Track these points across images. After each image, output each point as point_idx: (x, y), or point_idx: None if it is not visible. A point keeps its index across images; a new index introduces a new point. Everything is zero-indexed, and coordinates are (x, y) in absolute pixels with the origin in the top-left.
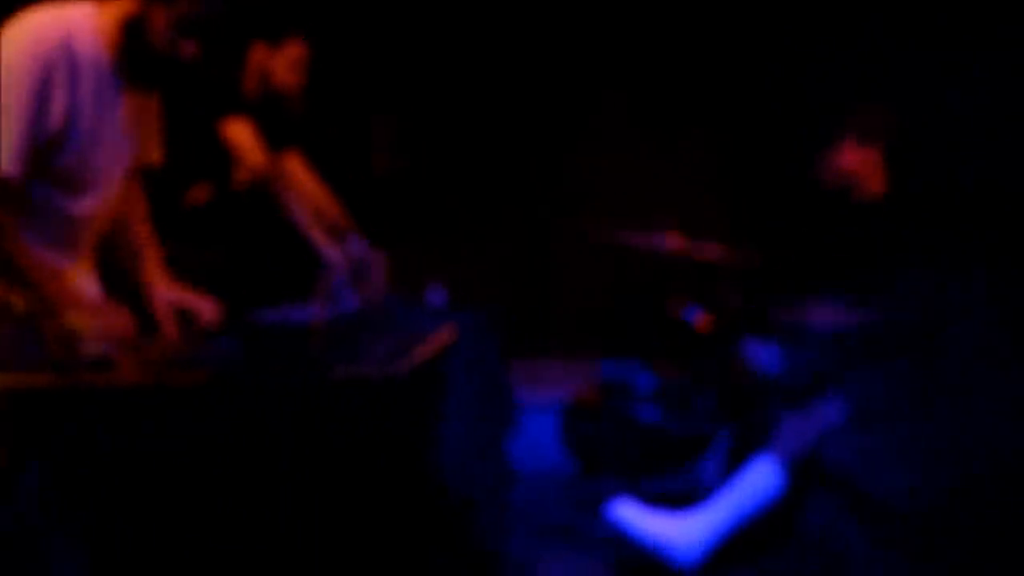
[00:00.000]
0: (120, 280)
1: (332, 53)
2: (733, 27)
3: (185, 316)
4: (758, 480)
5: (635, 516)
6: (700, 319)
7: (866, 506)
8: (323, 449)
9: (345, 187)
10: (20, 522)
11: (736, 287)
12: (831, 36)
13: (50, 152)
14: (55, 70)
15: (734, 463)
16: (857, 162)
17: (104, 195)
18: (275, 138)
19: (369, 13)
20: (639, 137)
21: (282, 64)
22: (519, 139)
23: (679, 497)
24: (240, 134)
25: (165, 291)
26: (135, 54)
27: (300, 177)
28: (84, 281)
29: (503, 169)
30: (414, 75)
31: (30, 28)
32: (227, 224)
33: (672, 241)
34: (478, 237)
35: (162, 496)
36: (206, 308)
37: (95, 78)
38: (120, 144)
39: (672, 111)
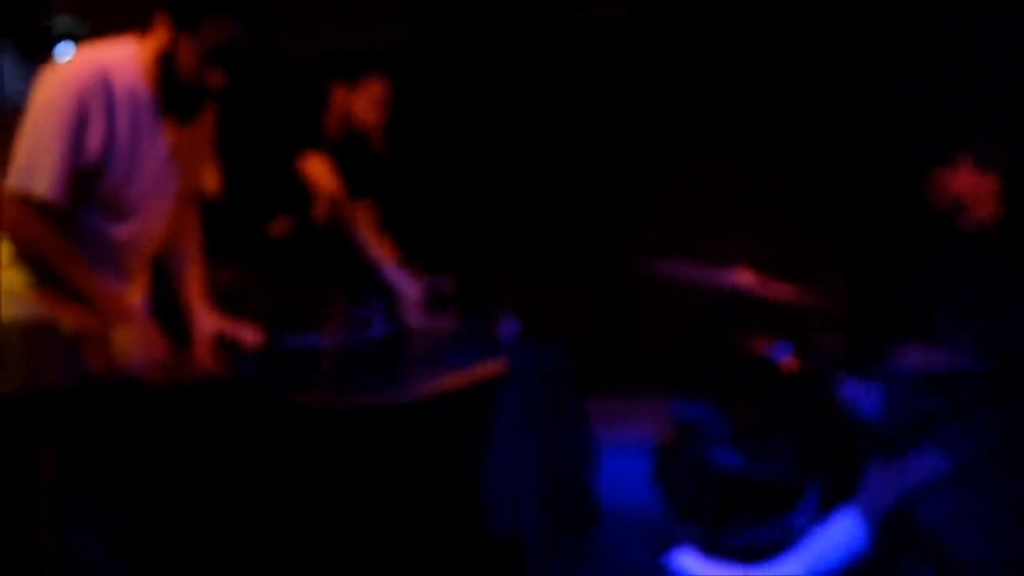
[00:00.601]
0: (169, 300)
1: (433, 102)
2: (820, 61)
3: (227, 340)
4: (840, 536)
5: (697, 568)
6: (788, 358)
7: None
8: (317, 472)
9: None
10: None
11: (824, 326)
12: (932, 67)
13: (90, 180)
14: (91, 103)
15: (819, 516)
16: (972, 185)
17: (145, 221)
18: (357, 175)
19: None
20: (724, 171)
21: (362, 102)
22: (599, 176)
23: (760, 550)
24: (317, 170)
25: (205, 317)
26: (169, 86)
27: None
28: (130, 301)
29: (582, 205)
30: (510, 120)
31: (69, 66)
32: (306, 256)
33: (743, 277)
34: (558, 271)
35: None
36: (247, 335)
37: (133, 110)
38: (161, 173)
39: (756, 148)
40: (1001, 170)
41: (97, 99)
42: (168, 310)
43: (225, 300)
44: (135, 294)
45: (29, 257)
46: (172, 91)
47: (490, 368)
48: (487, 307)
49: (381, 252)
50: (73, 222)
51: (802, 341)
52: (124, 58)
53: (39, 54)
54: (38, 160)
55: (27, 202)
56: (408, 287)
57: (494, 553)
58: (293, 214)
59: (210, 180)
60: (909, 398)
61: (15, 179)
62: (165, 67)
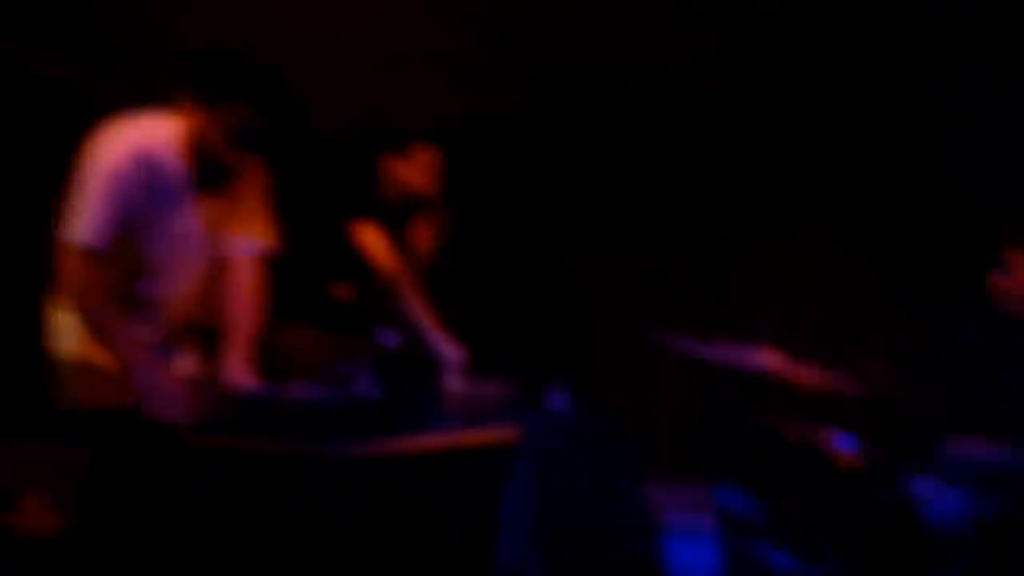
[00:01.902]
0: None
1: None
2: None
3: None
4: None
5: None
6: (848, 451)
7: None
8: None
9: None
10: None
11: (885, 416)
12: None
13: (127, 240)
14: (134, 171)
15: None
16: None
17: (173, 279)
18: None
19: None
20: (810, 256)
21: (413, 170)
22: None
23: None
24: (368, 238)
25: (232, 374)
26: (199, 162)
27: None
28: (162, 353)
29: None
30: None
31: (114, 137)
32: (365, 318)
33: (769, 359)
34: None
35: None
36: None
37: (169, 181)
38: (189, 238)
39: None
40: None
41: (136, 170)
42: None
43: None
44: (168, 342)
45: (74, 302)
46: (201, 166)
47: (493, 436)
48: (542, 378)
49: (426, 319)
50: (110, 277)
51: (861, 432)
52: (162, 134)
53: None
54: (86, 216)
55: (76, 250)
56: (449, 352)
57: None
58: (353, 279)
59: (267, 235)
60: (984, 498)
61: (65, 231)
62: (195, 145)
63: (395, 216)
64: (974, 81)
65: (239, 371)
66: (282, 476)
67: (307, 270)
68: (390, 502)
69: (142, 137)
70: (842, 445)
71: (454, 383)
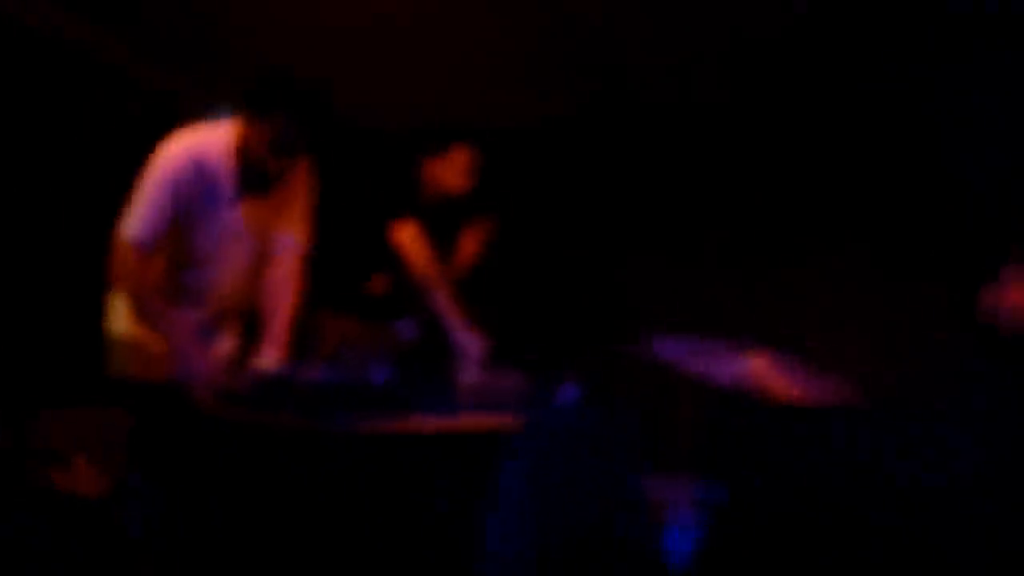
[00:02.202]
0: None
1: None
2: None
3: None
4: None
5: None
6: None
7: None
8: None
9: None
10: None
11: None
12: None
13: (178, 234)
14: (186, 175)
15: None
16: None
17: (218, 271)
18: (450, 237)
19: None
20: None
21: (450, 170)
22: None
23: None
24: (404, 237)
25: (266, 357)
26: (244, 166)
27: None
28: (204, 335)
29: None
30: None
31: (173, 144)
32: (395, 311)
33: (757, 363)
34: None
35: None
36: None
37: (216, 183)
38: (233, 235)
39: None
40: None
41: (188, 175)
42: None
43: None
44: (211, 326)
45: (126, 290)
46: (247, 171)
47: (492, 421)
48: (556, 372)
49: (452, 311)
50: (160, 267)
51: None
52: (215, 141)
53: None
54: (140, 215)
55: (129, 244)
56: (471, 344)
57: None
58: (391, 273)
59: (305, 234)
60: None
61: (122, 226)
62: (243, 150)
63: (433, 216)
64: (974, 80)
65: (272, 355)
66: (294, 448)
67: (346, 265)
68: (390, 478)
69: (197, 144)
70: None
71: (471, 374)
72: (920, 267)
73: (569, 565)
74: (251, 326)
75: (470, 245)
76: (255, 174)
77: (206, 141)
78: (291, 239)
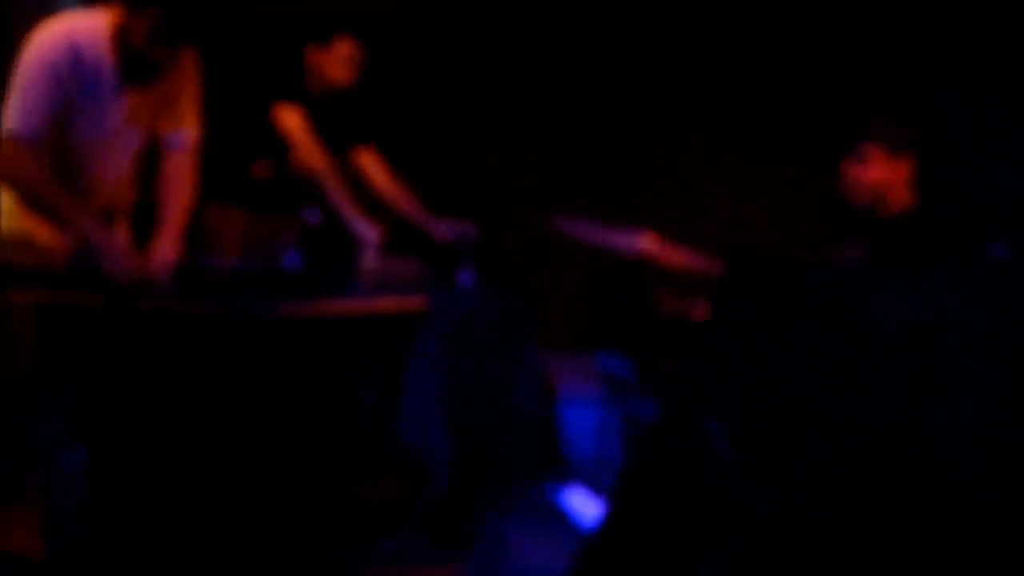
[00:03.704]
0: None
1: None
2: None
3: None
4: None
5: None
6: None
7: None
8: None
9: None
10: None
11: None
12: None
13: (59, 128)
14: (62, 65)
15: None
16: (887, 173)
17: (105, 166)
18: (338, 131)
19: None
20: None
21: (333, 62)
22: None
23: None
24: (288, 121)
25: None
26: (124, 56)
27: (369, 171)
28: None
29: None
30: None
31: (46, 32)
32: (284, 196)
33: (647, 243)
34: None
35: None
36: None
37: (96, 72)
38: (119, 127)
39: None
40: (913, 154)
41: (66, 62)
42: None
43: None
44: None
45: (14, 186)
46: (128, 60)
47: (405, 303)
48: (451, 256)
49: (344, 200)
50: (47, 162)
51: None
52: (91, 28)
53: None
54: (20, 108)
55: (11, 139)
56: (367, 232)
57: (409, 477)
58: (273, 158)
59: (195, 127)
60: None
61: (3, 122)
62: (122, 40)
63: (319, 107)
64: None
65: (168, 249)
66: (213, 335)
67: (231, 151)
68: (309, 361)
69: (71, 30)
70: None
71: (371, 261)
72: (783, 139)
73: (476, 435)
74: (140, 222)
75: (338, 69)
76: (137, 64)
77: (82, 28)
78: (182, 134)
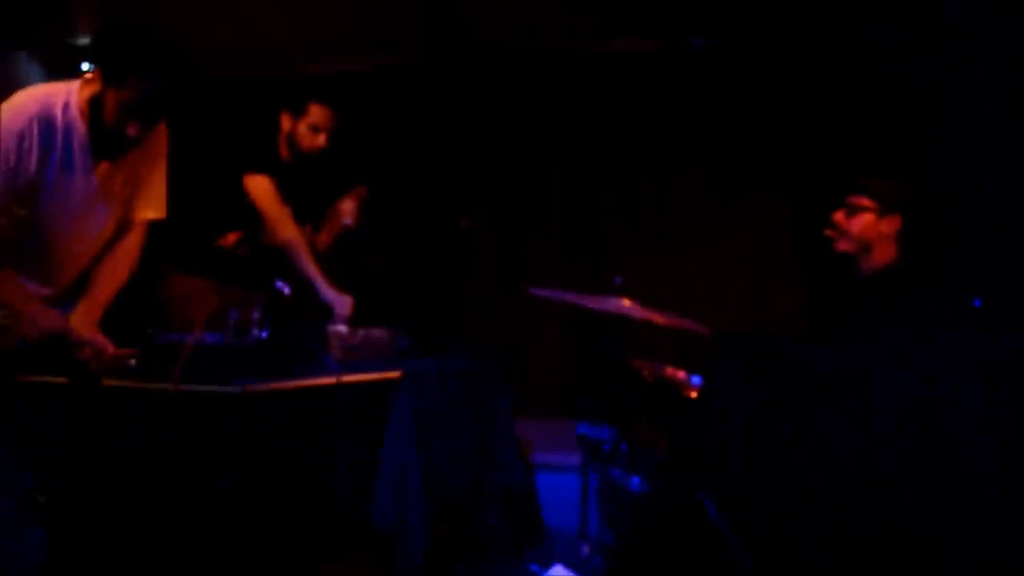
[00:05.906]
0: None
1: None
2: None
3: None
4: None
5: None
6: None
7: None
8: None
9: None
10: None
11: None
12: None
13: (25, 200)
14: (31, 135)
15: None
16: (873, 227)
17: (71, 239)
18: (306, 195)
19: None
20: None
21: (307, 127)
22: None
23: None
24: (258, 192)
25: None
26: (96, 128)
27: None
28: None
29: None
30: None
31: (18, 100)
32: (253, 267)
33: (625, 307)
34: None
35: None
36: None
37: (67, 144)
38: (88, 201)
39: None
40: (902, 212)
41: (37, 133)
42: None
43: (177, 303)
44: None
45: None
46: (99, 134)
47: (376, 375)
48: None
49: (314, 269)
50: (8, 231)
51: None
52: (62, 99)
53: (64, 71)
54: None
55: None
56: (338, 302)
57: (378, 550)
58: (243, 229)
59: (157, 205)
60: None
61: None
62: (94, 113)
63: (290, 174)
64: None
65: (83, 325)
66: (177, 411)
67: (199, 222)
68: (282, 433)
69: (43, 100)
70: (691, 381)
71: (341, 330)
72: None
73: (452, 508)
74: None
75: (310, 136)
76: (108, 137)
77: (52, 98)
78: (146, 214)
